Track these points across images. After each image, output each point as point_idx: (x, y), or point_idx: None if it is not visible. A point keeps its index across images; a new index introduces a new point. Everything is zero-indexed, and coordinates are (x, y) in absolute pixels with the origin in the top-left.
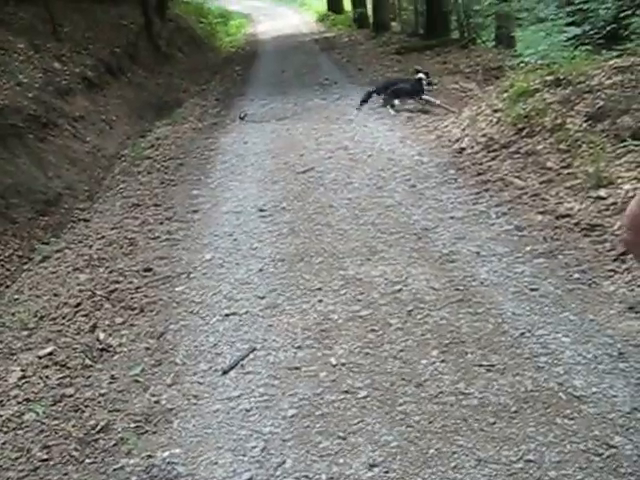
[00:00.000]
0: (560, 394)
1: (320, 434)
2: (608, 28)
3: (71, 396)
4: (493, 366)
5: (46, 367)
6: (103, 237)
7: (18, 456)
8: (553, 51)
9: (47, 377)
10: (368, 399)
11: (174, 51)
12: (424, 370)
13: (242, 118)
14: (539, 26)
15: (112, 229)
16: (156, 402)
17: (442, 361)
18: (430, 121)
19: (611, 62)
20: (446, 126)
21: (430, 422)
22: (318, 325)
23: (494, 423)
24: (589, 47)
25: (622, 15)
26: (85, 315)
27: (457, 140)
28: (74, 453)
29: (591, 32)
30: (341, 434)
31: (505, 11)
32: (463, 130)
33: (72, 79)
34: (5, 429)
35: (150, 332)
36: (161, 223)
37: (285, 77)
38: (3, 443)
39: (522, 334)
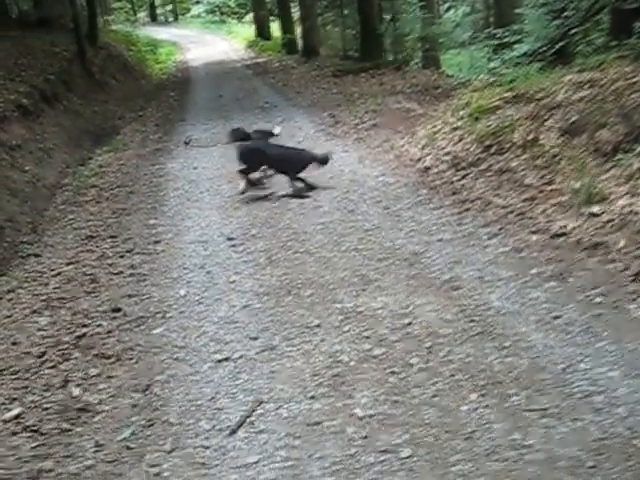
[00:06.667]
0: (635, 442)
1: None
2: (558, 45)
3: (50, 471)
4: (546, 410)
5: (15, 434)
6: (59, 274)
7: None
8: (503, 69)
9: (17, 447)
10: (414, 459)
11: (107, 78)
12: (468, 419)
13: (187, 143)
14: (459, 49)
15: (68, 264)
16: (156, 475)
17: (485, 406)
18: (382, 141)
19: (568, 78)
20: (402, 145)
21: None
22: (328, 369)
23: None
24: (543, 63)
25: (572, 32)
26: (53, 367)
27: (419, 159)
28: None
29: (542, 49)
30: None
31: (435, 34)
32: (422, 149)
33: (7, 106)
34: None
35: (133, 385)
36: (122, 256)
37: (223, 102)
38: None
39: (564, 370)
